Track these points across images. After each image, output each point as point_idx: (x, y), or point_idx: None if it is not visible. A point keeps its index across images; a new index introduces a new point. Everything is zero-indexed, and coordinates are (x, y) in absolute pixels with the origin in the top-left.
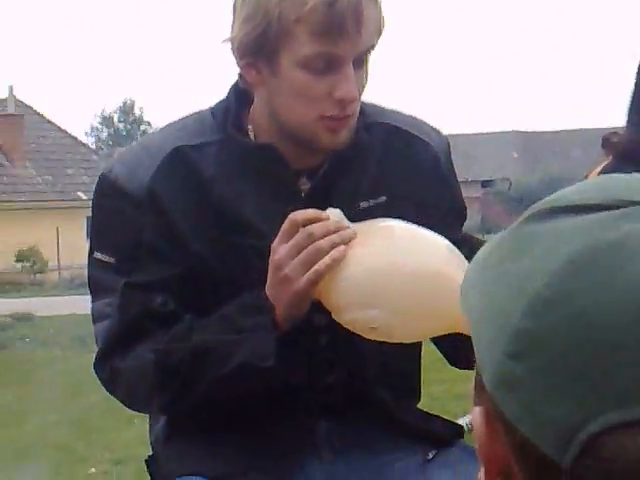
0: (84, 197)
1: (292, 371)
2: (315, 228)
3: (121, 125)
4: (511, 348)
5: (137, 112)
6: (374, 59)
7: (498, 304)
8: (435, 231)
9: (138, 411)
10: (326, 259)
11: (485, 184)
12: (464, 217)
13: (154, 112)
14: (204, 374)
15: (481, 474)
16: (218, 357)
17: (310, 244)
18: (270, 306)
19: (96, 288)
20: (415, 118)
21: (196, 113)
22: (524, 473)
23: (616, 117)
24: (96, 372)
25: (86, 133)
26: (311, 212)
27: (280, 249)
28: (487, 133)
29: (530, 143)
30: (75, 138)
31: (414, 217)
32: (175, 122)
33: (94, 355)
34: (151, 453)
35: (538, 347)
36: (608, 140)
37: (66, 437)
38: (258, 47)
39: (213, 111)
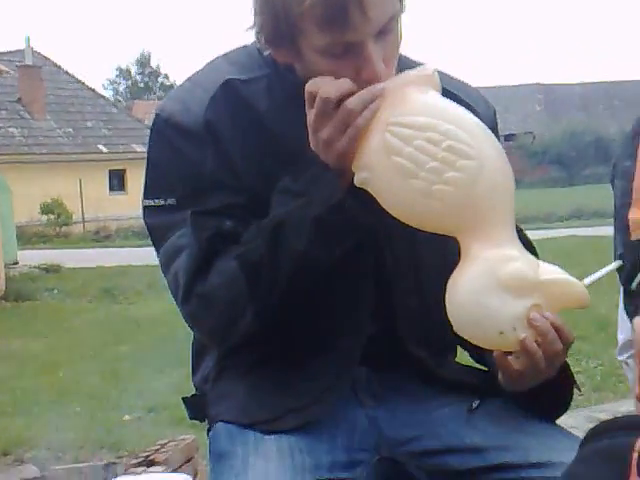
0: (105, 150)
1: (364, 210)
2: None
3: (139, 77)
4: None
5: (154, 64)
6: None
7: None
8: None
9: (227, 340)
10: (364, 113)
11: (508, 138)
12: None
13: (171, 64)
14: (287, 248)
15: (637, 386)
16: (293, 222)
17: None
18: (322, 165)
19: (160, 233)
20: (467, 85)
21: (242, 47)
22: None
23: (637, 71)
24: (183, 310)
25: (103, 86)
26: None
27: (314, 124)
28: (509, 86)
29: (553, 96)
30: (94, 90)
31: None
32: (222, 56)
33: (121, 306)
34: (194, 393)
35: None
36: None
37: (98, 385)
38: (276, 38)
39: (259, 47)
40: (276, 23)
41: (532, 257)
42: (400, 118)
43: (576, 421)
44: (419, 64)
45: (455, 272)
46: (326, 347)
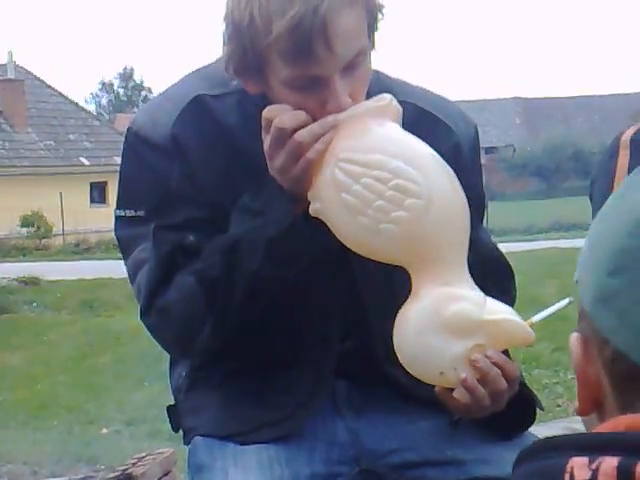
0: (87, 163)
1: (316, 234)
2: (286, 121)
3: (121, 91)
4: (612, 265)
5: (137, 78)
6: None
7: (609, 228)
8: None
9: (187, 352)
10: (315, 146)
11: (489, 151)
12: (482, 209)
13: (155, 78)
14: (241, 267)
15: (575, 401)
16: (248, 242)
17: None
18: (278, 187)
19: (127, 245)
20: (447, 102)
21: (216, 61)
22: (613, 388)
23: (616, 84)
24: (144, 322)
25: (86, 100)
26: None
27: (269, 151)
28: (490, 99)
29: (532, 109)
30: (76, 104)
31: None
32: (196, 71)
33: (101, 319)
34: (173, 402)
35: (636, 262)
36: None
37: (76, 398)
38: (244, 68)
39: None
40: (243, 53)
41: (479, 295)
42: (350, 154)
43: (554, 431)
44: (399, 82)
45: (403, 307)
46: (297, 362)
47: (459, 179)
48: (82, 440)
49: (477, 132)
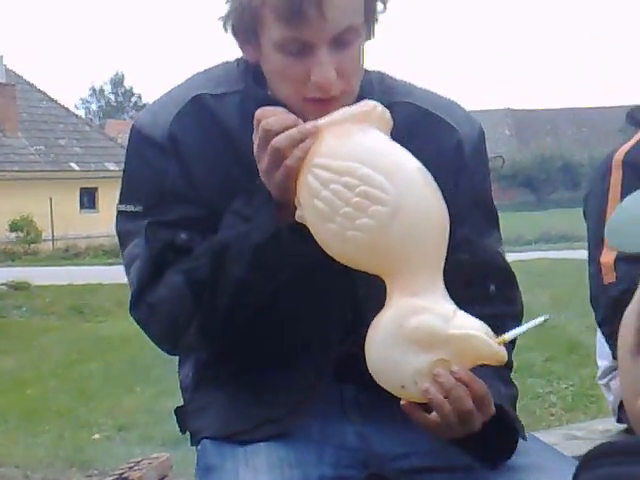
0: (77, 168)
1: (303, 245)
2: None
3: (112, 97)
4: None
5: (128, 84)
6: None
7: None
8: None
9: (176, 348)
10: (294, 153)
11: None
12: (490, 214)
13: (145, 84)
14: (228, 271)
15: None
16: (235, 247)
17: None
18: (267, 192)
19: (125, 239)
20: (453, 103)
21: (224, 62)
22: None
23: (604, 97)
24: (133, 316)
25: (76, 105)
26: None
27: (257, 153)
28: (480, 110)
29: (523, 121)
30: (67, 109)
31: None
32: (201, 72)
33: (91, 324)
34: (182, 403)
35: None
36: (634, 116)
37: (67, 403)
38: (240, 28)
39: (239, 61)
40: (241, 11)
41: (448, 308)
42: (323, 160)
43: (555, 439)
44: (403, 83)
45: (376, 316)
46: (297, 362)
47: (460, 178)
48: (74, 445)
49: (483, 135)
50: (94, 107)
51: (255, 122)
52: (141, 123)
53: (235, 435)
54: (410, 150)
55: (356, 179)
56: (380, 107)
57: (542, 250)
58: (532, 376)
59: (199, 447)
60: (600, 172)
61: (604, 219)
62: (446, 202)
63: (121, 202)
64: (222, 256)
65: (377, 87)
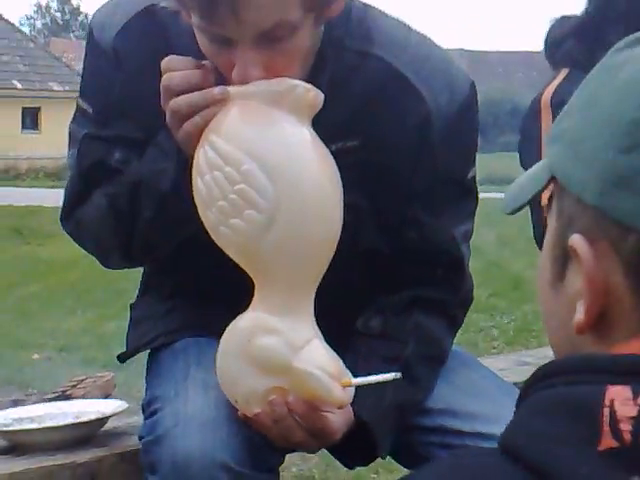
0: (19, 86)
1: None
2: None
3: (58, 15)
4: (626, 142)
5: (75, 2)
6: None
7: (607, 109)
8: (396, 200)
9: (105, 263)
10: (194, 119)
11: None
12: (455, 194)
13: (93, 3)
14: (140, 209)
15: (581, 309)
16: (147, 186)
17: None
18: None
19: (71, 139)
20: (438, 62)
21: None
22: (633, 291)
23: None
24: (63, 227)
25: (20, 22)
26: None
27: (162, 101)
28: None
29: (476, 62)
30: (12, 24)
31: (386, 171)
32: None
33: (31, 247)
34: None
35: None
36: (552, 56)
37: (5, 324)
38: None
39: None
40: None
41: (300, 338)
42: (216, 138)
43: (506, 364)
44: (384, 29)
45: (237, 317)
46: (233, 279)
47: (422, 158)
48: (12, 364)
49: (467, 109)
50: (39, 24)
51: (162, 69)
52: (93, 24)
53: (170, 333)
54: (365, 123)
55: (238, 174)
56: (301, 88)
57: (488, 192)
58: (477, 311)
59: (149, 353)
60: (530, 116)
61: (539, 144)
62: (397, 183)
63: (80, 94)
64: (136, 191)
65: (355, 30)
